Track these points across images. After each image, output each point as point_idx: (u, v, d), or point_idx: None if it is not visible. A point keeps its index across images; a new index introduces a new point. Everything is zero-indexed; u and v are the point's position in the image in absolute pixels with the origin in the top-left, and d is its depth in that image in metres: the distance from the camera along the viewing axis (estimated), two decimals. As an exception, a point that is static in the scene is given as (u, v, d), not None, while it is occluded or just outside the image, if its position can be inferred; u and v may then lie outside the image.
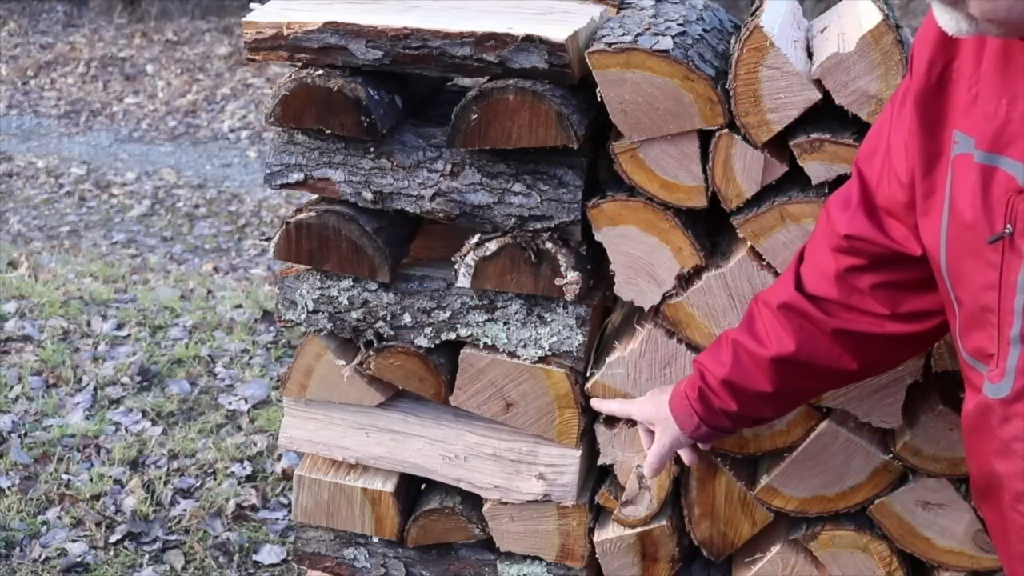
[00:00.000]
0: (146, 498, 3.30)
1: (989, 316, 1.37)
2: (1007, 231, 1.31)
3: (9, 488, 3.32)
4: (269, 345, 4.31)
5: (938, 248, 1.43)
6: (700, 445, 1.91)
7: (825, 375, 1.72)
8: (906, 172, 1.49)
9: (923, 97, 1.44)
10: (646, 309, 1.97)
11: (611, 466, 2.07)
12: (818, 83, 1.78)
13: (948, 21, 1.27)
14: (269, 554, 3.10)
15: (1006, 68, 1.32)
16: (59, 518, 3.21)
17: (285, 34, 1.93)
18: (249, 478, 3.45)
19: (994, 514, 1.49)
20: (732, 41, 1.93)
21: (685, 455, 1.91)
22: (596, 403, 2.00)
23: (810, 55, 1.89)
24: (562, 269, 1.93)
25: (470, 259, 1.97)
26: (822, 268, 1.65)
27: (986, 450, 1.43)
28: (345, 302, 2.06)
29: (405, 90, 2.02)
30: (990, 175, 1.33)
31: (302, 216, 2.01)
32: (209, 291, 5.03)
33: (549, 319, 1.99)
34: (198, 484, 3.41)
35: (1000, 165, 1.31)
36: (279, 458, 3.50)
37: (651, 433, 1.91)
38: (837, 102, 1.77)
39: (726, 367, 1.74)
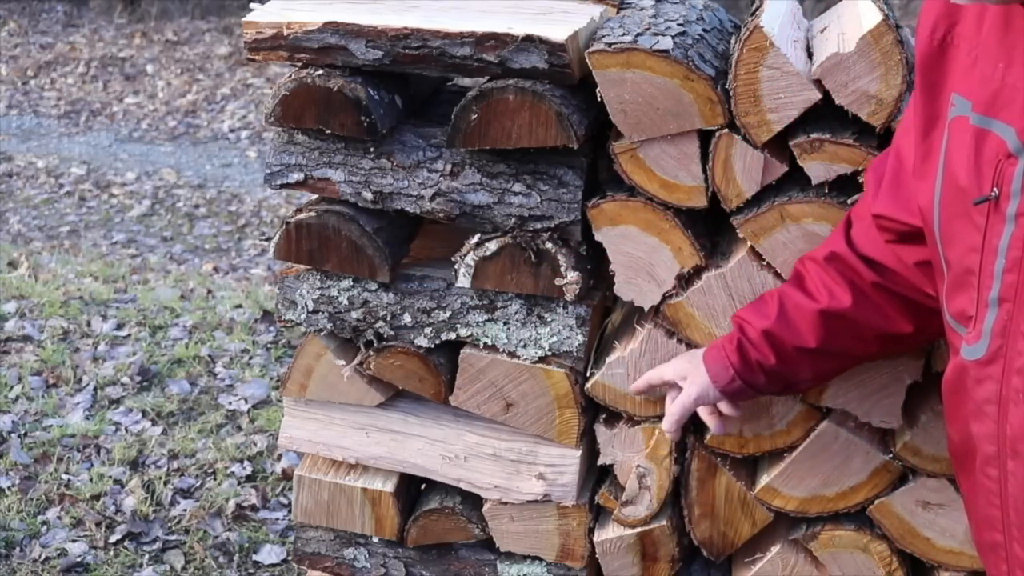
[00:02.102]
0: (146, 498, 3.30)
1: (971, 278, 1.38)
2: (993, 194, 1.33)
3: (9, 488, 3.32)
4: (269, 345, 4.31)
5: (932, 209, 1.44)
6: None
7: (875, 336, 1.70)
8: (913, 138, 1.51)
9: (926, 61, 1.46)
10: (646, 309, 1.97)
11: (611, 466, 2.07)
12: (818, 83, 1.78)
13: None
14: (269, 554, 3.10)
15: (1005, 32, 1.33)
16: (59, 518, 3.21)
17: (285, 34, 1.93)
18: (249, 478, 3.45)
19: (967, 480, 1.49)
20: (732, 41, 1.93)
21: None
22: (633, 387, 1.96)
23: (810, 55, 1.89)
24: (562, 269, 1.93)
25: (470, 259, 1.97)
26: (872, 236, 1.65)
27: (963, 412, 1.44)
28: (345, 302, 2.06)
29: (405, 90, 2.02)
30: (983, 138, 1.35)
31: (302, 216, 2.01)
32: (209, 291, 5.03)
33: (549, 319, 1.99)
34: (198, 484, 3.41)
35: (992, 128, 1.33)
36: (279, 458, 3.50)
37: (678, 390, 1.87)
38: (837, 102, 1.77)
39: (770, 319, 1.73)
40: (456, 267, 1.98)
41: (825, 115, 1.80)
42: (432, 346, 2.05)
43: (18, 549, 3.08)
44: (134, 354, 4.15)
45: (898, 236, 1.62)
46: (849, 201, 1.79)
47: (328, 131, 1.94)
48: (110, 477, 3.40)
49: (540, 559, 2.15)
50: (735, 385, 1.78)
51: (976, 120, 1.35)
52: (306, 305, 2.08)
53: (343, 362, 2.11)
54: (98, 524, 3.17)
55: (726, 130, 1.82)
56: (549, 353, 2.00)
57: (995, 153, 1.32)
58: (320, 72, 1.93)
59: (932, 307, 1.62)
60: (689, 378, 1.84)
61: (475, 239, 1.97)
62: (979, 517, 1.47)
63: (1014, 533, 1.38)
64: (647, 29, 1.84)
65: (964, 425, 1.45)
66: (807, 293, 1.71)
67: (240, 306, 4.69)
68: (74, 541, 3.12)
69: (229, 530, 3.19)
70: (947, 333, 1.49)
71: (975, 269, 1.37)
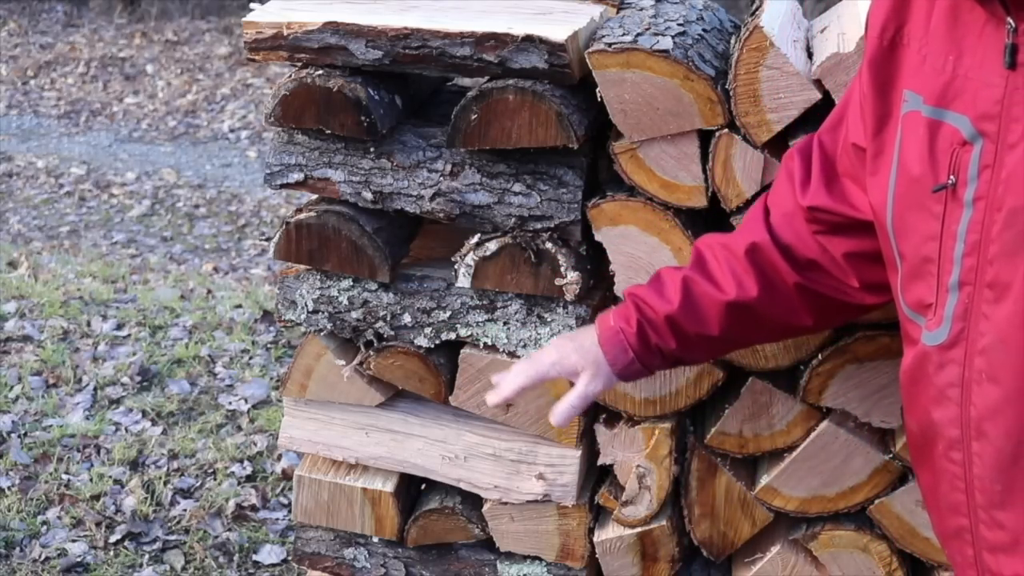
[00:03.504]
0: (146, 498, 3.30)
1: (929, 266, 1.39)
2: (950, 181, 1.34)
3: (9, 488, 3.32)
4: (269, 345, 4.31)
5: (885, 204, 1.45)
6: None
7: (776, 327, 1.72)
8: (862, 136, 1.52)
9: (876, 61, 1.48)
10: (646, 309, 1.97)
11: (611, 466, 2.07)
12: (818, 83, 1.78)
13: None
14: (269, 554, 3.10)
15: (953, 25, 1.36)
16: (59, 518, 3.21)
17: (285, 34, 1.93)
18: (249, 478, 3.45)
19: (927, 471, 1.49)
20: (732, 41, 1.93)
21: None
22: (493, 397, 1.80)
23: (810, 55, 1.89)
24: (562, 269, 1.93)
25: (470, 259, 1.97)
26: (797, 229, 1.65)
27: (923, 400, 1.45)
28: (345, 302, 2.06)
29: (405, 90, 2.02)
30: (936, 128, 1.37)
31: (302, 216, 2.01)
32: (209, 291, 5.03)
33: (549, 319, 1.99)
34: (198, 484, 3.41)
35: (946, 119, 1.35)
36: (279, 458, 3.50)
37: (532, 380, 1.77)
38: (837, 102, 1.77)
39: (673, 305, 1.69)
40: (456, 267, 1.98)
41: (825, 115, 1.80)
42: (432, 346, 2.05)
43: (18, 549, 3.08)
44: (134, 354, 4.15)
45: (830, 227, 1.62)
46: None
47: (328, 131, 1.94)
48: (110, 477, 3.40)
49: (540, 559, 2.15)
50: (633, 368, 1.73)
51: (928, 112, 1.38)
52: (306, 305, 2.08)
53: (343, 362, 2.11)
54: (98, 524, 3.17)
55: (726, 130, 1.82)
56: (549, 353, 2.00)
57: (949, 142, 1.35)
58: (320, 72, 1.93)
59: (842, 301, 1.65)
60: (587, 371, 1.73)
61: (475, 239, 1.97)
62: (942, 505, 1.47)
63: (980, 515, 1.39)
64: (647, 29, 1.84)
65: (924, 413, 1.45)
66: (714, 282, 1.68)
67: (240, 306, 4.69)
68: (74, 541, 3.12)
69: (229, 530, 3.19)
70: (904, 325, 1.49)
71: (934, 257, 1.38)
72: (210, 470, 3.48)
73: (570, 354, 1.75)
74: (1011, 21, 1.27)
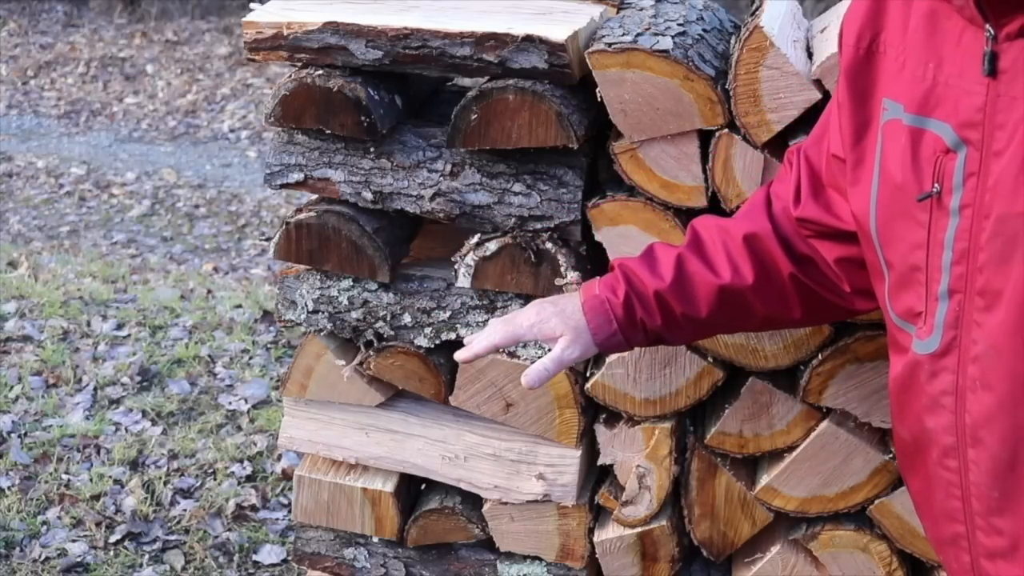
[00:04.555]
0: (146, 498, 3.30)
1: (918, 275, 1.39)
2: (935, 190, 1.34)
3: (9, 488, 3.32)
4: (269, 345, 4.31)
5: (867, 213, 1.45)
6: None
7: (764, 316, 1.71)
8: (841, 147, 1.52)
9: (852, 70, 1.47)
10: (646, 309, 1.97)
11: (611, 466, 2.07)
12: (818, 83, 1.78)
13: None
14: (269, 554, 3.10)
15: (932, 33, 1.36)
16: (59, 518, 3.21)
17: (285, 34, 1.93)
18: (249, 478, 3.45)
19: (919, 478, 1.49)
20: (732, 41, 1.93)
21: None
22: (463, 353, 1.75)
23: (810, 55, 1.89)
24: (562, 269, 1.93)
25: (470, 259, 1.97)
26: (795, 226, 1.65)
27: (915, 408, 1.44)
28: (345, 302, 2.06)
29: (405, 90, 2.02)
30: (919, 137, 1.36)
31: (302, 216, 2.01)
32: (209, 291, 5.03)
33: (549, 319, 1.99)
34: (198, 484, 3.41)
35: (928, 127, 1.35)
36: (279, 458, 3.50)
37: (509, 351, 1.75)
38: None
39: (665, 281, 1.67)
40: (456, 267, 1.98)
41: (825, 115, 1.80)
42: (432, 346, 2.05)
43: (18, 549, 3.08)
44: (134, 354, 4.15)
45: (818, 235, 1.63)
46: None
47: (328, 131, 1.94)
48: (110, 477, 3.40)
49: (540, 559, 2.15)
50: (614, 340, 1.71)
51: (910, 120, 1.37)
52: (306, 305, 2.08)
53: (343, 362, 2.11)
54: (98, 524, 3.17)
55: (726, 130, 1.82)
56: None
57: (932, 150, 1.34)
58: (320, 72, 1.93)
59: (832, 302, 1.66)
60: (566, 337, 1.70)
61: (475, 239, 1.97)
62: (936, 512, 1.46)
63: (977, 522, 1.39)
64: (647, 29, 1.84)
65: (916, 421, 1.45)
66: (709, 264, 1.67)
67: (240, 306, 4.69)
68: (74, 541, 3.12)
69: (229, 530, 3.19)
70: (892, 333, 1.49)
71: (921, 265, 1.38)
72: (210, 470, 3.48)
73: (550, 318, 1.72)
74: (990, 28, 1.27)
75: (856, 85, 1.47)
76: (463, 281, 1.98)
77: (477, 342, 1.75)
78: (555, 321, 1.71)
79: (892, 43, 1.42)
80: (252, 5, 2.06)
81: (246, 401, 3.87)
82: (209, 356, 4.18)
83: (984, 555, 1.39)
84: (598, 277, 1.75)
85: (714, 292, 1.67)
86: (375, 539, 2.22)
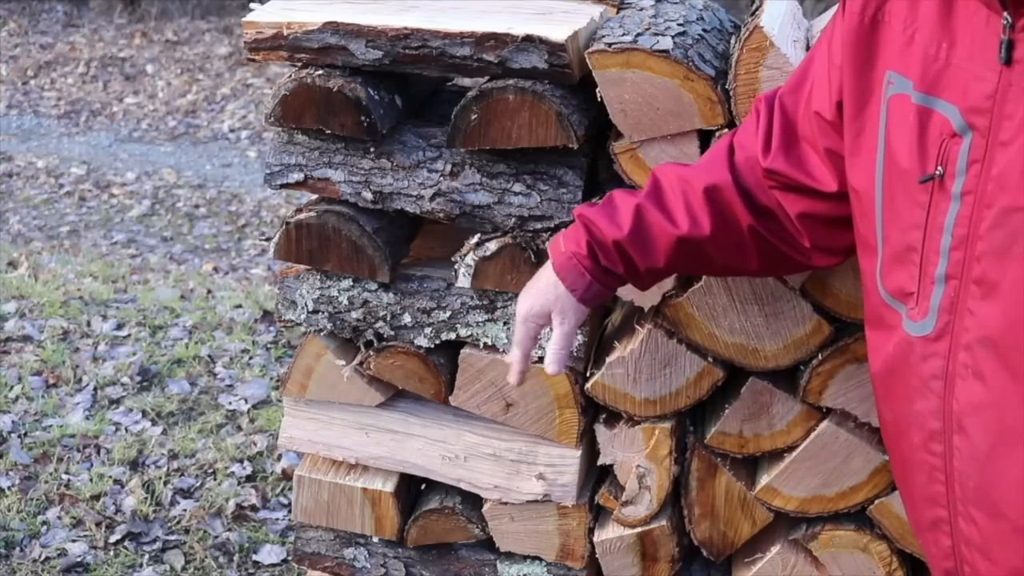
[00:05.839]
0: (146, 498, 3.30)
1: (912, 255, 1.38)
2: (938, 172, 1.33)
3: (9, 488, 3.32)
4: (269, 345, 4.31)
5: (872, 186, 1.44)
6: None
7: (721, 265, 1.73)
8: (829, 108, 1.51)
9: (856, 38, 1.46)
10: (646, 309, 1.97)
11: (611, 466, 2.07)
12: (818, 83, 1.78)
13: None
14: (269, 554, 3.10)
15: (948, 13, 1.35)
16: (59, 518, 3.21)
17: (285, 34, 1.93)
18: (249, 478, 3.45)
19: (904, 458, 1.49)
20: (732, 41, 1.93)
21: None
22: (514, 379, 1.79)
23: (810, 55, 1.89)
24: (562, 269, 1.93)
25: (470, 259, 1.97)
26: (758, 176, 1.65)
27: (904, 390, 1.44)
28: (345, 302, 2.06)
29: (405, 90, 2.02)
30: (927, 117, 1.35)
31: (302, 216, 2.01)
32: (209, 291, 5.03)
33: (549, 319, 1.99)
34: (198, 484, 3.41)
35: (936, 108, 1.34)
36: (279, 458, 3.50)
37: (533, 336, 1.78)
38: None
39: (623, 231, 1.68)
40: (456, 267, 1.98)
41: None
42: (432, 346, 2.05)
43: (18, 549, 3.08)
44: (134, 354, 4.15)
45: (783, 187, 1.62)
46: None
47: (328, 131, 1.94)
48: (110, 477, 3.40)
49: (540, 559, 2.15)
50: (593, 290, 1.72)
51: (918, 99, 1.36)
52: (306, 305, 2.08)
53: (343, 362, 2.11)
54: (98, 524, 3.17)
55: (726, 130, 1.82)
56: (549, 353, 2.00)
57: (939, 132, 1.34)
58: (320, 72, 1.93)
59: (790, 256, 1.66)
60: (555, 310, 1.73)
61: (475, 239, 1.97)
62: (919, 495, 1.46)
63: (959, 508, 1.39)
64: (647, 29, 1.84)
65: (904, 402, 1.44)
66: (668, 215, 1.67)
67: (240, 306, 4.69)
68: (74, 541, 3.12)
69: (229, 530, 3.19)
70: (877, 309, 1.48)
71: (917, 246, 1.38)
72: (210, 470, 3.48)
73: (535, 302, 1.75)
74: (1008, 16, 1.26)
75: (859, 54, 1.46)
76: (463, 281, 1.98)
77: (518, 360, 1.78)
78: (541, 301, 1.74)
79: (898, 14, 1.41)
80: (252, 5, 2.06)
81: (246, 401, 3.87)
82: (209, 356, 4.18)
83: (964, 542, 1.40)
84: (562, 232, 1.76)
85: (672, 242, 1.67)
86: (375, 539, 2.22)
